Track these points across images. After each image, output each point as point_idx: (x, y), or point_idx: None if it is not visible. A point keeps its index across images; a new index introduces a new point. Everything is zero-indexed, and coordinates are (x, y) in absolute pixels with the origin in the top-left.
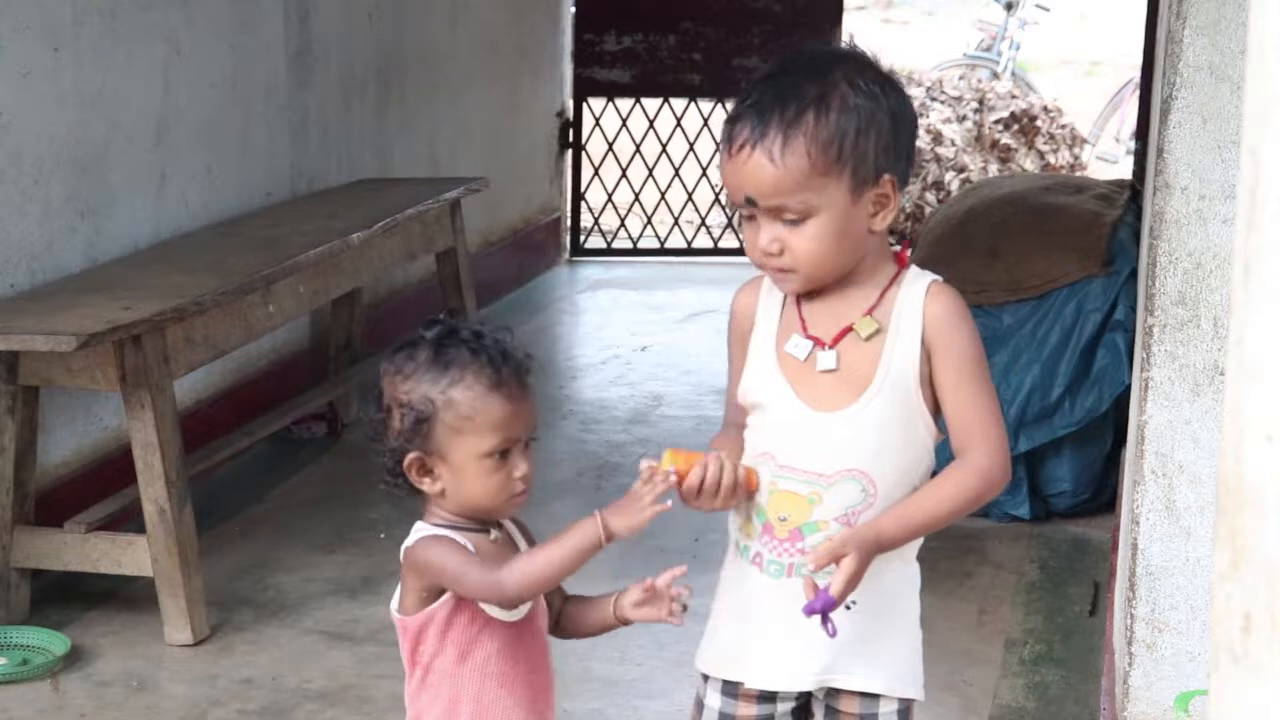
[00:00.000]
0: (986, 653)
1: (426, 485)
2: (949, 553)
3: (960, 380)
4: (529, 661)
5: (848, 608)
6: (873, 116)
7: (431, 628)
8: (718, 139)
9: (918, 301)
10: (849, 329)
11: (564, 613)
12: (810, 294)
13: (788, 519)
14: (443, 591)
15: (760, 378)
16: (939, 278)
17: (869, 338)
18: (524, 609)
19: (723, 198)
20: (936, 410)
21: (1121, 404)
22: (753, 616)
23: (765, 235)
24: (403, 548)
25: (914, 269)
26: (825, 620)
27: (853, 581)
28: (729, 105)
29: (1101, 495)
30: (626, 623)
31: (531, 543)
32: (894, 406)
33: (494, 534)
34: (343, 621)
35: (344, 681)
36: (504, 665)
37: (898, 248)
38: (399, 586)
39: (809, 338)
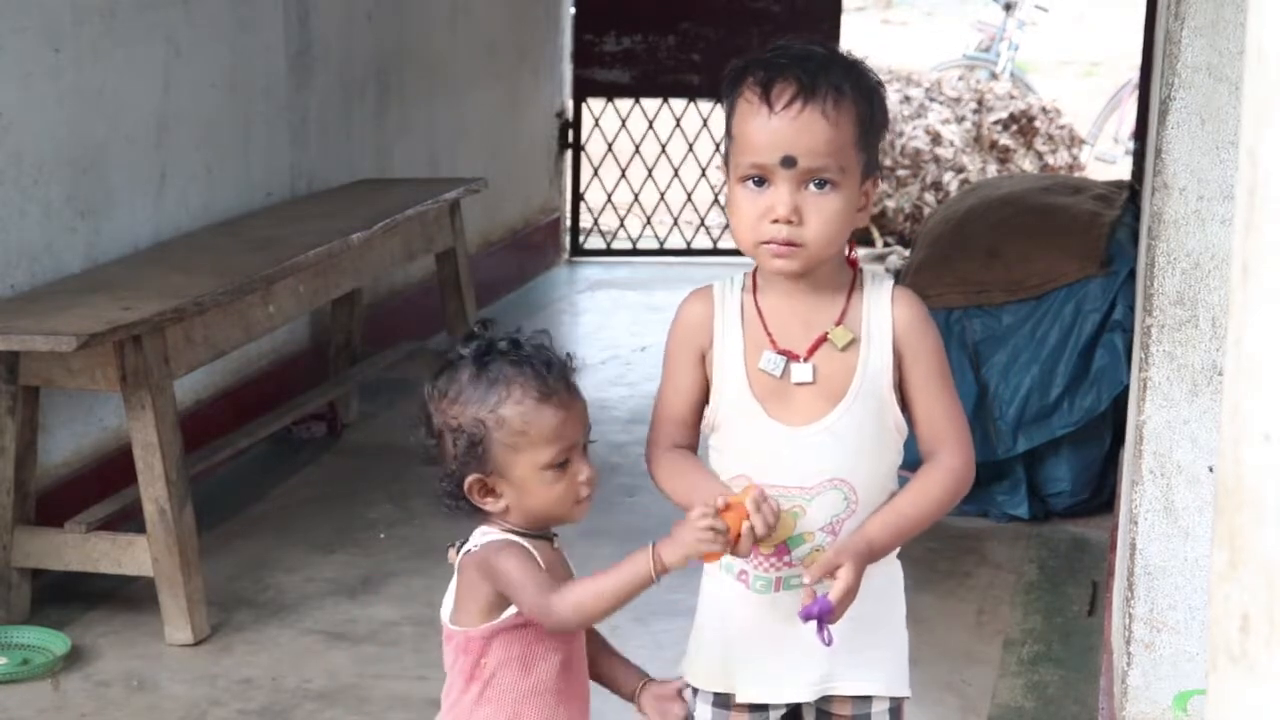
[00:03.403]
0: (985, 652)
1: (490, 505)
2: (948, 553)
3: (930, 384)
4: (581, 676)
5: None
6: (884, 116)
7: (497, 640)
8: (716, 136)
9: (885, 307)
10: (823, 339)
11: (590, 653)
12: (773, 301)
13: (773, 535)
14: (508, 602)
15: (732, 401)
16: (897, 282)
17: (845, 348)
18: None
19: (722, 198)
20: (903, 408)
21: (1120, 404)
22: (742, 633)
23: (786, 202)
24: (462, 552)
25: (868, 272)
26: (821, 627)
27: (849, 592)
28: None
29: (1100, 495)
30: (636, 705)
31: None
32: (869, 413)
33: (556, 542)
34: (342, 621)
35: (344, 681)
36: (561, 681)
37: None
38: (450, 596)
39: (781, 352)
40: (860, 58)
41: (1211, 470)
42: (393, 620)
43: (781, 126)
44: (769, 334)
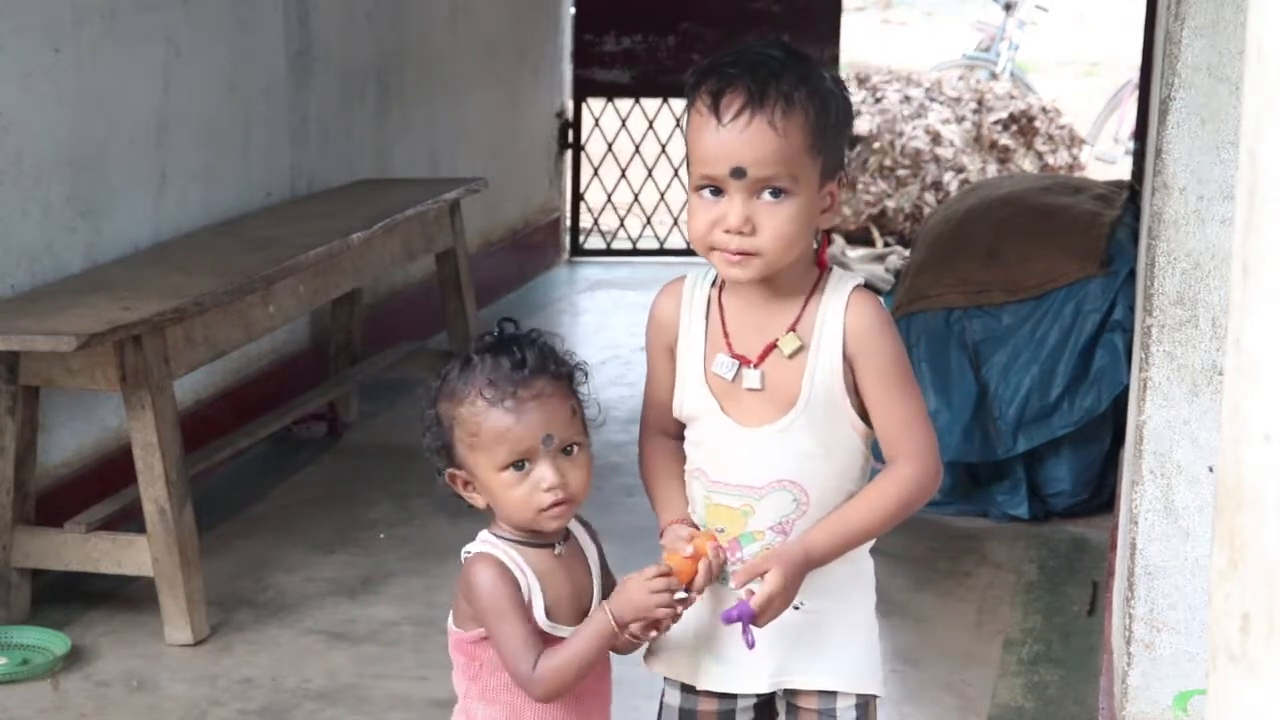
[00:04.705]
0: (985, 652)
1: (473, 499)
2: (948, 553)
3: (885, 390)
4: (593, 679)
5: (796, 608)
6: (844, 113)
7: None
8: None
9: (839, 313)
10: (773, 346)
11: None
12: (735, 301)
13: (725, 530)
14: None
15: (690, 399)
16: (861, 281)
17: (793, 355)
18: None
19: None
20: (864, 411)
21: (1120, 404)
22: (702, 622)
23: (738, 212)
24: (463, 553)
25: (835, 271)
26: (745, 630)
27: (775, 598)
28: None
29: (1100, 495)
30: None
31: (600, 551)
32: (820, 418)
33: (559, 549)
34: (343, 621)
35: (344, 681)
36: None
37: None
38: (456, 597)
39: (735, 357)
40: (817, 57)
41: (1211, 470)
42: (393, 620)
43: (730, 138)
44: (726, 336)
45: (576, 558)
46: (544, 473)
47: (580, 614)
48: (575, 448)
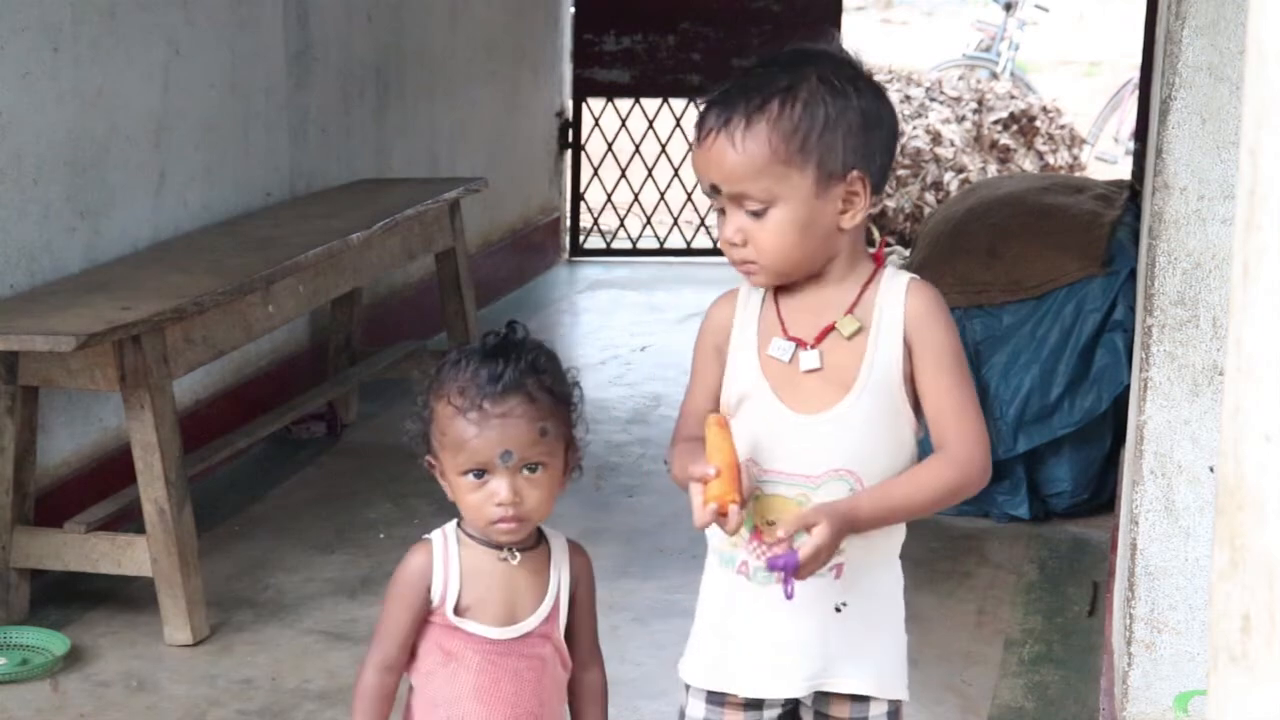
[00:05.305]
0: (986, 653)
1: (445, 489)
2: (948, 553)
3: (940, 375)
4: (516, 685)
5: (838, 610)
6: (842, 112)
7: (421, 633)
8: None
9: (898, 298)
10: (831, 327)
11: (572, 688)
12: (788, 294)
13: (776, 523)
14: (429, 600)
15: (741, 382)
16: (917, 276)
17: (851, 336)
18: (514, 630)
19: None
20: (917, 405)
21: (1120, 404)
22: (741, 626)
23: (730, 226)
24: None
25: (891, 268)
26: (787, 580)
27: (821, 551)
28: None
29: (1101, 495)
30: None
31: (574, 582)
32: (879, 404)
33: (506, 555)
34: (342, 621)
35: (343, 681)
36: (483, 680)
37: (873, 249)
38: None
39: (790, 339)
40: (849, 55)
41: (1212, 470)
42: None
43: (702, 158)
44: (781, 321)
45: (535, 572)
46: (498, 487)
47: (509, 621)
48: (539, 467)
